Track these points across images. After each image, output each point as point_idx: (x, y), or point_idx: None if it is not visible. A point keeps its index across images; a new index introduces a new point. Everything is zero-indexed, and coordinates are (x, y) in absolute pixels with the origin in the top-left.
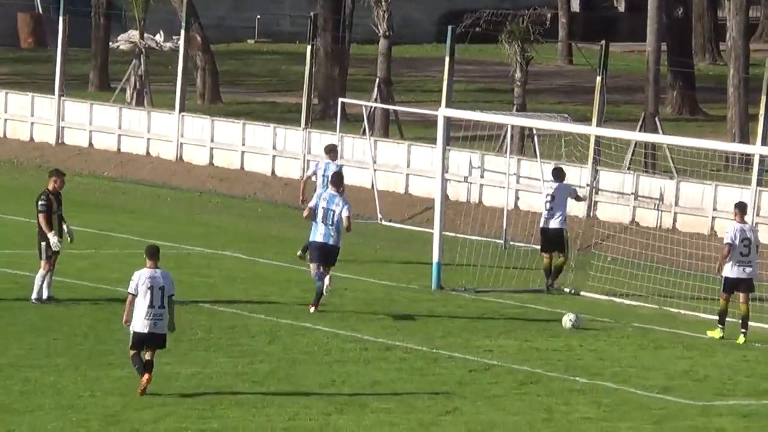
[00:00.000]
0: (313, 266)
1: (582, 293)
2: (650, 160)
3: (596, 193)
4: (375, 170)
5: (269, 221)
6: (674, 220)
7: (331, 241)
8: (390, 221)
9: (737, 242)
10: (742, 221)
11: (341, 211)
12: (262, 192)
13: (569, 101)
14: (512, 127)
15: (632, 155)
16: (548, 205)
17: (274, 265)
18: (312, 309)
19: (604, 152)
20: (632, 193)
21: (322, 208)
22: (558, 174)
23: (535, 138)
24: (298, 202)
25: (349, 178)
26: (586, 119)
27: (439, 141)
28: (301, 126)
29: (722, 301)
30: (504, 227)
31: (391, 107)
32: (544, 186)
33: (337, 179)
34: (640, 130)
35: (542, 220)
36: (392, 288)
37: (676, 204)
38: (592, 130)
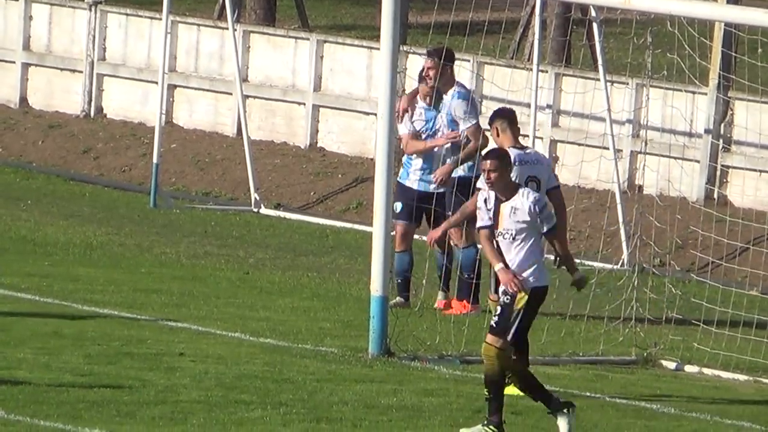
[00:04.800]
0: None
1: (690, 368)
2: None
3: (726, 148)
4: (244, 96)
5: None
6: None
7: None
8: (278, 207)
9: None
10: (517, 143)
11: None
12: None
13: None
14: (545, 5)
15: None
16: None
17: None
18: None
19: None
20: None
21: None
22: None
23: (595, 27)
24: None
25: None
26: None
27: (386, 36)
28: None
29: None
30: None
31: None
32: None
33: None
34: None
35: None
36: (279, 350)
37: None
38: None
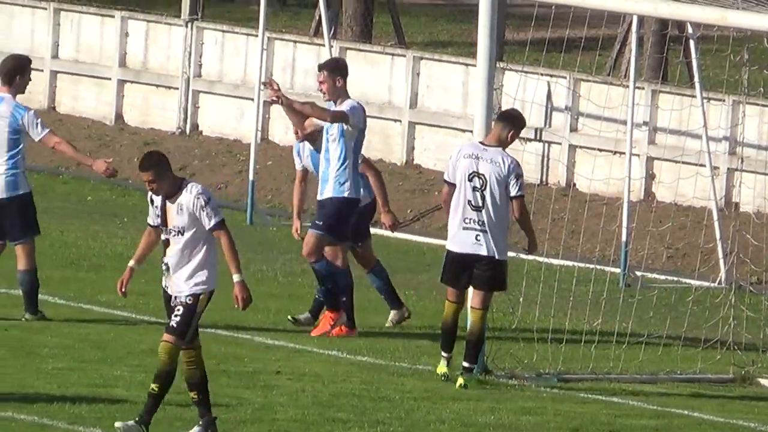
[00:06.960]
0: None
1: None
2: None
3: None
4: None
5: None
6: None
7: None
8: (374, 225)
9: (463, 179)
10: (487, 139)
11: None
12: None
13: None
14: (642, 21)
15: None
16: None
17: None
18: None
19: None
20: None
21: None
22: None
23: (692, 44)
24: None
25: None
26: None
27: (482, 53)
28: (182, 16)
29: (447, 302)
30: (624, 239)
31: None
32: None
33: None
34: None
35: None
36: (376, 368)
37: None
38: None
